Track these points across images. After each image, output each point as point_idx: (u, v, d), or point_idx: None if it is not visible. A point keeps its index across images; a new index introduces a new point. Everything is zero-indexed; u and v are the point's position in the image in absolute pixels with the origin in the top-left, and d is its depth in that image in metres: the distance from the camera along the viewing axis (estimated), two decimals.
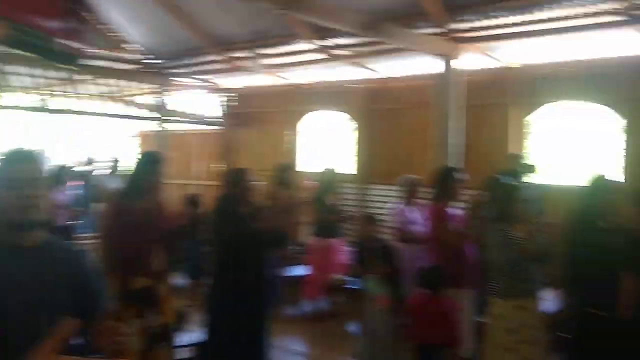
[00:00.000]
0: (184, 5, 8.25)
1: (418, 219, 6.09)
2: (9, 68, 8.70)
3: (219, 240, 4.31)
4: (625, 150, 6.83)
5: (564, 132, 7.43)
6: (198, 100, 10.93)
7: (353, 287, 6.30)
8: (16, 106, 9.45)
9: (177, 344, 4.39)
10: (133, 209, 3.96)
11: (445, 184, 4.93)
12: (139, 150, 12.61)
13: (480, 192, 4.95)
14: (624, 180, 6.59)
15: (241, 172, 4.50)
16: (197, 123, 11.05)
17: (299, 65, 8.64)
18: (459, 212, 5.00)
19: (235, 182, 4.40)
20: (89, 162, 11.18)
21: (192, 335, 4.90)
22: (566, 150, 7.41)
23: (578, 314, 3.62)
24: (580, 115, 7.32)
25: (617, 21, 5.86)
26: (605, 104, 6.98)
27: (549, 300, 4.26)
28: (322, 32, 7.59)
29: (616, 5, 5.69)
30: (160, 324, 3.95)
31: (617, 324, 3.47)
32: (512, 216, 4.08)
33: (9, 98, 9.41)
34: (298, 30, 7.62)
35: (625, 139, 6.84)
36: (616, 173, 6.68)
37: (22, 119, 12.90)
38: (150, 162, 4.14)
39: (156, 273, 3.95)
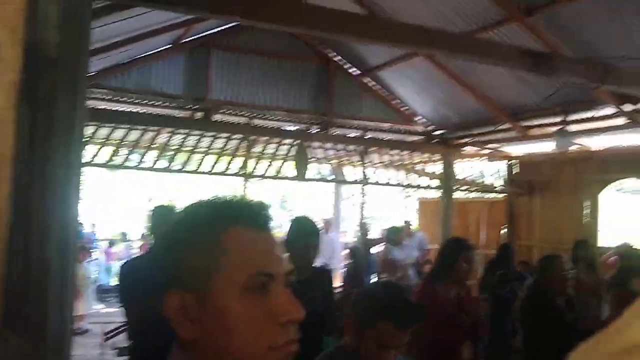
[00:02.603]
0: (471, 77, 8.31)
1: None
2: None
3: (530, 336, 4.03)
4: None
5: None
6: (482, 167, 10.79)
7: None
8: (314, 178, 10.36)
9: None
10: (445, 295, 3.92)
11: None
12: (419, 218, 12.86)
13: None
14: None
15: (554, 259, 4.20)
16: (481, 191, 10.90)
17: (601, 132, 8.01)
18: None
19: (546, 268, 4.11)
20: (364, 230, 10.94)
21: None
22: None
23: None
24: None
25: None
26: None
27: None
28: (625, 97, 6.96)
29: None
30: None
31: None
32: None
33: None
34: (600, 96, 7.09)
35: None
36: None
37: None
38: (458, 248, 4.08)
39: None
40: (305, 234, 3.25)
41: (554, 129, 7.80)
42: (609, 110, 7.43)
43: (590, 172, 9.34)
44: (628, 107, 7.21)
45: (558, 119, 7.77)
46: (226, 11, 3.15)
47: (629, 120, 7.39)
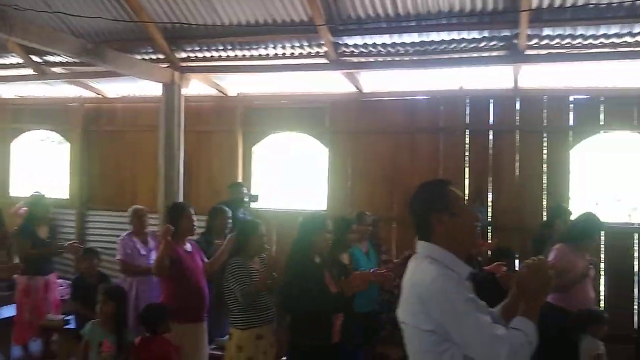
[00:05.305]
0: None
1: (146, 250, 5.93)
2: None
3: None
4: (327, 178, 7.54)
5: (284, 161, 7.98)
6: None
7: (71, 326, 5.82)
8: None
9: None
10: None
11: (176, 221, 4.76)
12: None
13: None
14: (326, 205, 7.36)
15: None
16: None
17: (11, 81, 7.85)
18: (191, 247, 4.87)
19: None
20: None
21: None
22: (285, 178, 7.95)
23: (293, 346, 3.90)
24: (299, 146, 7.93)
25: (322, 64, 6.52)
26: (312, 135, 7.67)
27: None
28: (33, 49, 7.01)
29: (318, 50, 6.37)
30: None
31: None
32: (248, 250, 4.23)
33: None
34: (11, 47, 6.93)
35: (328, 167, 7.55)
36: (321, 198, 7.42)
37: None
38: None
39: None
40: None
41: None
42: (18, 60, 7.35)
43: (3, 121, 9.08)
44: (35, 59, 7.28)
45: None
46: None
47: (36, 72, 7.47)
